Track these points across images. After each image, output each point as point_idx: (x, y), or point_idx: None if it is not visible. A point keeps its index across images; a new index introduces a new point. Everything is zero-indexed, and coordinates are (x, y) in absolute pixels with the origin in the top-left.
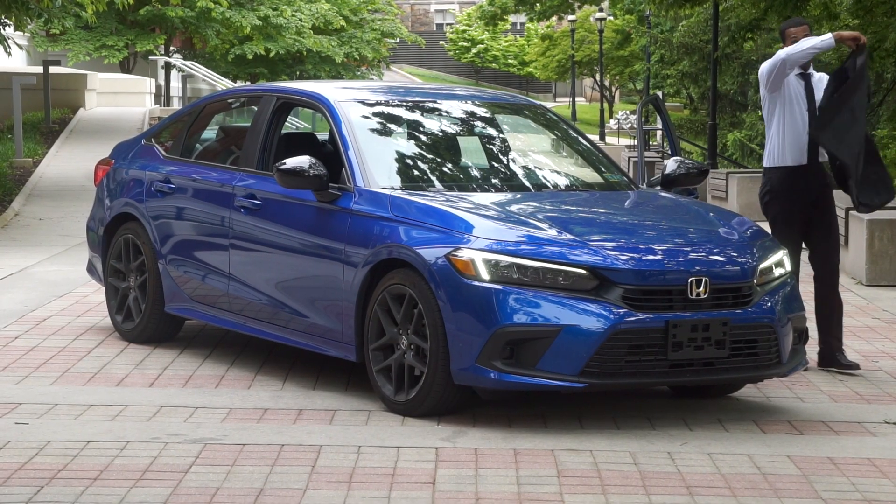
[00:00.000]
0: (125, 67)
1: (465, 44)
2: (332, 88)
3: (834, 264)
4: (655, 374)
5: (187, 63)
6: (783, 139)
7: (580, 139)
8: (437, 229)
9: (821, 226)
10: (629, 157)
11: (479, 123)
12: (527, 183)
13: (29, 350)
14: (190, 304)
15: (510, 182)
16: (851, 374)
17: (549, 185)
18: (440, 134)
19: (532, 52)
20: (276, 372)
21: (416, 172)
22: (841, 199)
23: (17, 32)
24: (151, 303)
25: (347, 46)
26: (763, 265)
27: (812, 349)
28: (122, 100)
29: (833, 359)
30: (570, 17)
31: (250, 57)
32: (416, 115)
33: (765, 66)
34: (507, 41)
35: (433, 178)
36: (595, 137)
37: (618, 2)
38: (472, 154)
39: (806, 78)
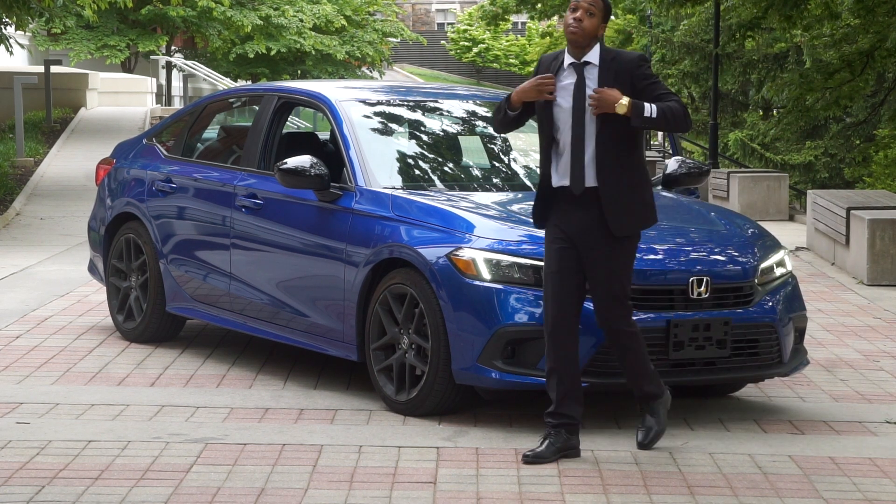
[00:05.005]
0: (126, 67)
1: (466, 43)
2: (334, 88)
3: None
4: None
5: (188, 63)
6: None
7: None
8: (438, 229)
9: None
10: None
11: (480, 123)
12: (528, 182)
13: (30, 349)
14: (191, 303)
15: (511, 181)
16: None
17: None
18: (441, 133)
19: (533, 51)
20: (277, 371)
21: (417, 172)
22: (843, 198)
23: (19, 32)
24: (153, 302)
25: (349, 46)
26: (764, 265)
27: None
28: (123, 99)
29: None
30: None
31: (252, 55)
32: (418, 115)
33: None
34: (508, 41)
35: (434, 178)
36: None
37: (619, 1)
38: (473, 153)
39: (579, 69)
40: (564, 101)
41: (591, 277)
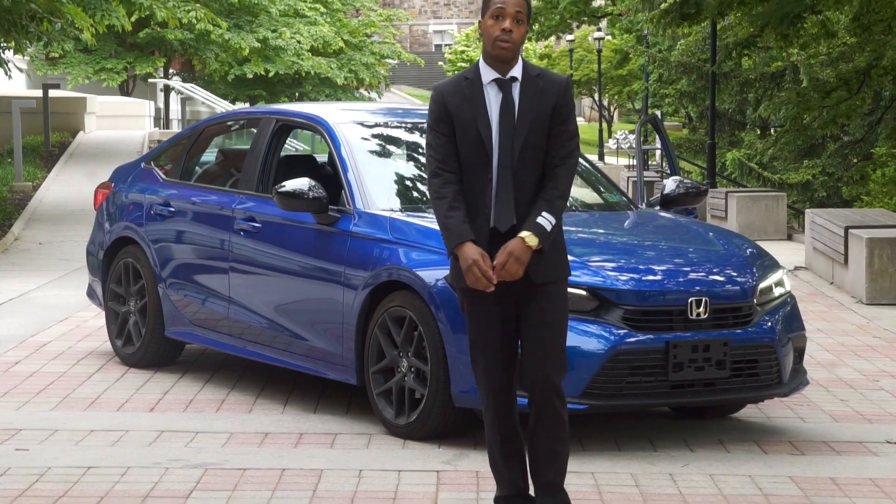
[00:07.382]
0: (124, 90)
1: (463, 64)
2: (331, 110)
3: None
4: (656, 395)
5: (186, 85)
6: None
7: (579, 159)
8: (436, 251)
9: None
10: (628, 177)
11: None
12: None
13: (29, 375)
14: (190, 328)
15: None
16: None
17: None
18: None
19: None
20: (276, 396)
21: (415, 194)
22: (841, 217)
23: (17, 56)
24: (151, 327)
25: (346, 70)
26: (763, 285)
27: None
28: (121, 123)
29: None
30: (569, 37)
31: (250, 76)
32: (415, 137)
33: None
34: None
35: None
36: (594, 157)
37: (616, 21)
38: None
39: (505, 87)
40: (490, 125)
41: (522, 331)
